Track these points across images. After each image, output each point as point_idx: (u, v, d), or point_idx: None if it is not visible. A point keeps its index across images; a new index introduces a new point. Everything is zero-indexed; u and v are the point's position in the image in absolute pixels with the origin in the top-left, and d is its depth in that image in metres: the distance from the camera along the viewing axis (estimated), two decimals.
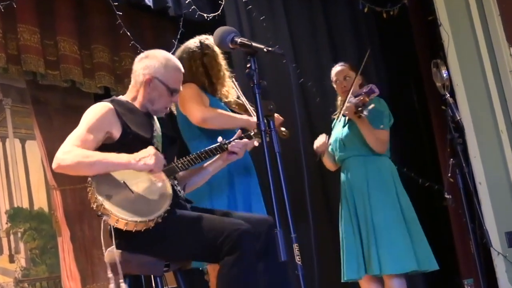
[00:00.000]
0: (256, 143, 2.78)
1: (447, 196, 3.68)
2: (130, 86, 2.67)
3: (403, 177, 3.77)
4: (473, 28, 4.47)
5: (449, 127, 3.51)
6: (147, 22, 4.92)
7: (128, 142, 2.48)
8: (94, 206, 2.31)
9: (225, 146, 2.70)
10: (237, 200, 3.08)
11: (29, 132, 4.71)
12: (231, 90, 3.22)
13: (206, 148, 2.69)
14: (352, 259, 3.49)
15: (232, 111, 3.25)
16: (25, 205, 4.56)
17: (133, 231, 2.31)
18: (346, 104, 3.51)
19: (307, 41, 4.91)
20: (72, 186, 4.73)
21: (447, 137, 3.54)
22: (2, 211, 4.40)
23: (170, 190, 2.46)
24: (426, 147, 5.05)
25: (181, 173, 2.70)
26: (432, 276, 3.96)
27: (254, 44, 2.13)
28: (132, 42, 4.22)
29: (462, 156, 3.47)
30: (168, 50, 2.76)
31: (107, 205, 2.29)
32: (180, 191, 2.62)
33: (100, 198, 2.29)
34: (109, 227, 2.38)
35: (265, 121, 2.07)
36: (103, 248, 2.40)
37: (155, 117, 2.70)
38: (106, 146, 2.47)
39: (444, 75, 3.80)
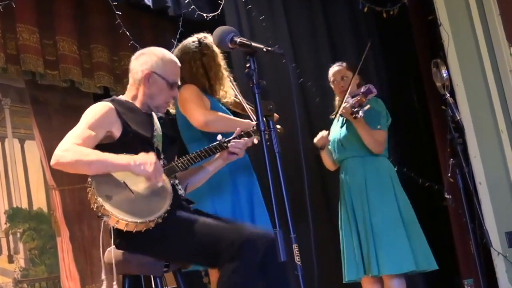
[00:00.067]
0: (255, 141, 2.77)
1: (447, 196, 3.68)
2: (129, 85, 2.67)
3: (403, 177, 3.76)
4: (473, 28, 4.47)
5: (449, 127, 3.51)
6: (147, 22, 4.91)
7: (129, 141, 2.47)
8: (94, 207, 2.30)
9: (225, 144, 2.70)
10: (242, 207, 3.08)
11: (28, 132, 4.70)
12: (229, 90, 3.22)
13: (206, 147, 2.68)
14: (351, 260, 3.49)
15: (230, 111, 3.25)
16: (24, 205, 4.56)
17: (134, 231, 2.31)
18: (343, 105, 3.50)
19: (306, 40, 4.90)
20: (71, 186, 4.72)
21: (447, 137, 3.54)
22: (1, 211, 4.40)
23: (170, 190, 2.46)
24: (426, 147, 5.04)
25: (180, 173, 2.70)
26: (432, 276, 3.96)
27: (253, 43, 2.12)
28: (131, 42, 4.21)
29: (462, 156, 3.47)
30: (168, 49, 2.76)
31: (107, 206, 2.28)
32: (181, 190, 2.62)
33: (100, 199, 2.28)
34: (109, 227, 2.37)
35: (265, 121, 2.06)
36: (101, 248, 2.39)
37: (155, 117, 2.69)
38: (106, 145, 2.45)
39: (444, 75, 3.79)
